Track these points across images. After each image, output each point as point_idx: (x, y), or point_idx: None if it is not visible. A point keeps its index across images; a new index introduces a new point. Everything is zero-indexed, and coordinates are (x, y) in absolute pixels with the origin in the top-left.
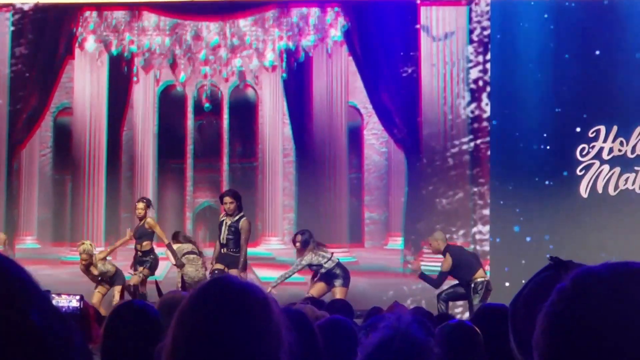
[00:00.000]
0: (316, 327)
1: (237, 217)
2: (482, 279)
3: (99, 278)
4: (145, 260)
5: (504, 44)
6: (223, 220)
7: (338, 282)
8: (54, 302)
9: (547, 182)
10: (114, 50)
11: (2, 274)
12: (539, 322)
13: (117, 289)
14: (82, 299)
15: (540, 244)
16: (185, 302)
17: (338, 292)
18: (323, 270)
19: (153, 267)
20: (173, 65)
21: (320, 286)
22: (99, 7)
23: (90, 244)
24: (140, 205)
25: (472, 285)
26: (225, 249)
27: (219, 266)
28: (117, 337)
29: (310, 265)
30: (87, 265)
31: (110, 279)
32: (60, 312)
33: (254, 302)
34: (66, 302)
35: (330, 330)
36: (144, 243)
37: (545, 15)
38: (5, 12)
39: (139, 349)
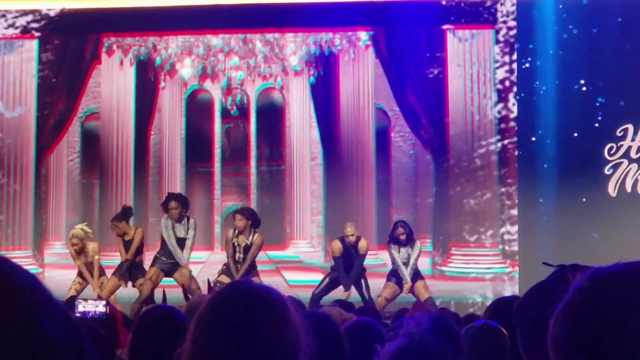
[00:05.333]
0: (343, 329)
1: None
2: None
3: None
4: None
5: (530, 44)
6: (234, 241)
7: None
8: (80, 307)
9: (574, 182)
10: (140, 55)
11: (15, 284)
12: (556, 322)
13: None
14: (108, 304)
15: (568, 244)
16: (204, 306)
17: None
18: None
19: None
20: (199, 69)
21: (394, 288)
22: (121, 32)
23: (82, 228)
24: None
25: None
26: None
27: (224, 278)
28: (145, 341)
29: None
30: (78, 250)
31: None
32: (72, 320)
33: (272, 304)
34: (92, 307)
35: (357, 332)
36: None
37: (564, 14)
38: (31, 17)
39: (167, 353)
